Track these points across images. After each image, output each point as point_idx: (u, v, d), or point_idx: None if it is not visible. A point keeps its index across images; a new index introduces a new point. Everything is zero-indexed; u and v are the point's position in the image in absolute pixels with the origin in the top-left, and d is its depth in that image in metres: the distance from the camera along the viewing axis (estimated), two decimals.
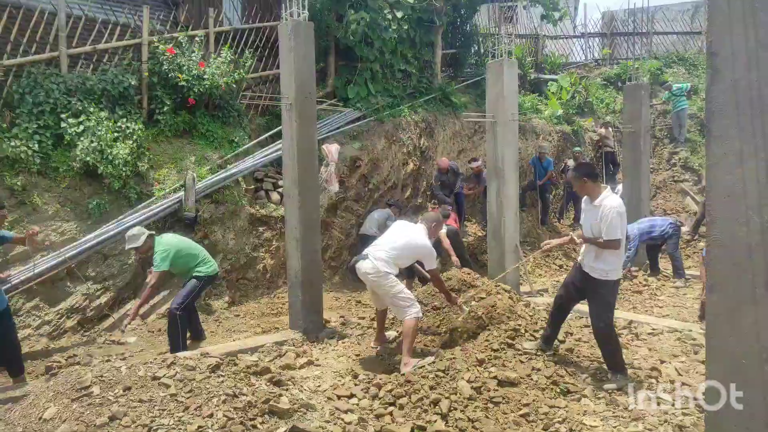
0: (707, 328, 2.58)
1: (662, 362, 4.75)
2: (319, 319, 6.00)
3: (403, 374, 4.47)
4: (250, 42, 9.29)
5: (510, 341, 4.74)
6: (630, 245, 8.40)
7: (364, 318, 6.45)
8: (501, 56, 7.91)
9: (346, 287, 9.03)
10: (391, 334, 5.52)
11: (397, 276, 4.96)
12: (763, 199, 2.33)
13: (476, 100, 12.39)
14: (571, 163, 12.11)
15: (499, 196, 7.33)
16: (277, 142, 8.90)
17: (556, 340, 4.85)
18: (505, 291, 5.68)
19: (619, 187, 11.96)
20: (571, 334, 5.36)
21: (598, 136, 14.05)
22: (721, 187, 2.47)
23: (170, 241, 5.60)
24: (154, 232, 5.77)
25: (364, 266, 4.87)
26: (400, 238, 5.02)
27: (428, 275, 5.21)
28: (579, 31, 17.90)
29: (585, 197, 4.47)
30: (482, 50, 13.72)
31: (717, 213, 2.49)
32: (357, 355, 5.28)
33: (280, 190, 8.74)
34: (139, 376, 3.75)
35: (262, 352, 5.38)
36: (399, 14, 10.45)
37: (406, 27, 10.58)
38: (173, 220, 7.37)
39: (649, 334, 5.64)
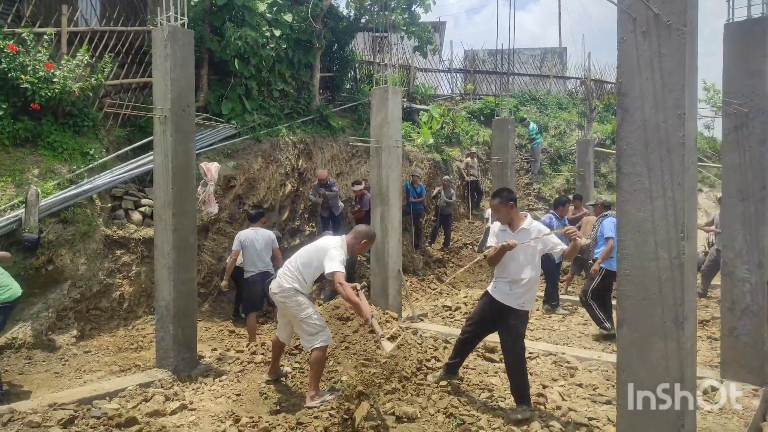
0: (618, 361, 2.64)
1: (544, 387, 4.92)
2: (193, 356, 5.39)
3: (311, 408, 4.20)
4: (110, 46, 8.37)
5: (404, 374, 4.60)
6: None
7: (242, 351, 5.93)
8: (386, 83, 7.96)
9: (216, 316, 8.36)
10: (285, 369, 5.10)
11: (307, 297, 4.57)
12: (671, 235, 2.43)
13: (353, 125, 12.42)
14: (436, 190, 12.56)
15: (383, 221, 7.28)
16: (141, 156, 8.08)
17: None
18: (394, 319, 5.58)
19: (488, 212, 12.67)
20: None
21: (464, 165, 14.82)
22: (631, 224, 2.55)
23: None
24: None
25: (271, 287, 4.53)
26: (306, 248, 4.61)
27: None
28: (445, 66, 18.91)
29: (499, 224, 4.37)
30: (358, 76, 13.85)
31: (627, 249, 2.57)
32: (238, 395, 4.78)
33: (142, 209, 7.91)
34: None
35: (124, 396, 4.67)
36: (277, 33, 10.16)
37: (284, 46, 10.32)
38: (9, 242, 6.26)
39: (527, 357, 5.86)
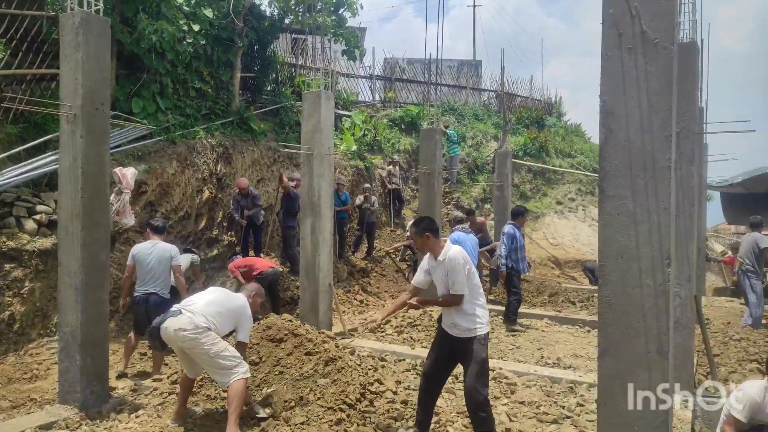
0: (599, 392, 2.51)
1: None
2: (104, 388, 4.74)
3: None
4: (2, 31, 7.37)
5: (348, 402, 4.28)
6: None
7: (160, 379, 5.33)
8: (310, 86, 7.64)
9: (123, 336, 7.54)
10: (196, 410, 4.56)
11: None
12: (656, 262, 2.34)
13: (275, 128, 11.90)
14: (360, 198, 12.31)
15: (314, 233, 6.92)
16: (37, 158, 7.17)
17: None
18: (330, 339, 5.25)
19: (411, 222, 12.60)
20: (400, 382, 5.15)
21: (386, 173, 14.72)
22: (614, 249, 2.44)
23: None
24: None
25: (177, 322, 3.96)
26: (218, 296, 4.38)
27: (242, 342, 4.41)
28: (367, 72, 18.78)
29: (428, 254, 4.10)
30: (279, 78, 13.34)
31: (609, 275, 2.45)
32: None
33: (37, 217, 7.00)
34: None
35: None
36: (196, 27, 9.49)
37: (203, 42, 9.66)
38: None
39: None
